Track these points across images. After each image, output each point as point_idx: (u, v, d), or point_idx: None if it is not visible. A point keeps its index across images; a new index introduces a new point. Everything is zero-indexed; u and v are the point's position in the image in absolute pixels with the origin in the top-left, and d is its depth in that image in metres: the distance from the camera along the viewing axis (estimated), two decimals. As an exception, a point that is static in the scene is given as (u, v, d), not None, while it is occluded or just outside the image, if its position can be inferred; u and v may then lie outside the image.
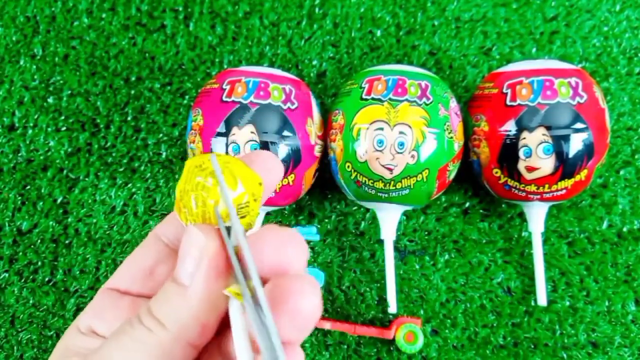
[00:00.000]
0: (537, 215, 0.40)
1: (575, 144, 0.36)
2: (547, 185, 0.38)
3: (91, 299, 0.45)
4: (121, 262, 0.45)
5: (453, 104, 0.39)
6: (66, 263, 0.45)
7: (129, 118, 0.47)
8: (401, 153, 0.36)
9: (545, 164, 0.37)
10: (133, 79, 0.48)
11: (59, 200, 0.46)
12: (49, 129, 0.47)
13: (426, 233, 0.44)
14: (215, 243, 0.18)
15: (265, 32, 0.48)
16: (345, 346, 0.42)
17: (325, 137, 0.41)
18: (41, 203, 0.46)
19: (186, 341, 0.18)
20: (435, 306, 0.43)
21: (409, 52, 0.48)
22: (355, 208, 0.45)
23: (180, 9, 0.49)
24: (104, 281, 0.45)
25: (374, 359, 0.42)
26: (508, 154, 0.38)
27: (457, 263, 0.44)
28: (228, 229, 0.19)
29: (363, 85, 0.39)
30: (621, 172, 0.45)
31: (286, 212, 0.45)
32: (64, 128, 0.47)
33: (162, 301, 0.18)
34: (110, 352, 0.18)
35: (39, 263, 0.45)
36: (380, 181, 0.37)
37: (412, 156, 0.37)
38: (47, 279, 0.45)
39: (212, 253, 0.18)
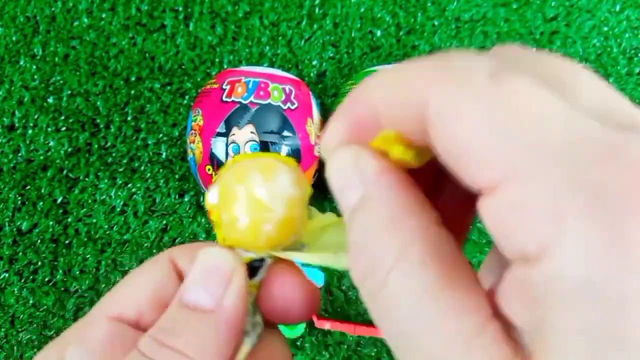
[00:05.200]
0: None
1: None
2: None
3: (91, 300, 0.45)
4: (121, 262, 0.45)
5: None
6: (66, 263, 0.45)
7: (129, 118, 0.47)
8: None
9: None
10: (133, 79, 0.48)
11: (59, 200, 0.46)
12: (49, 129, 0.47)
13: (426, 233, 0.44)
14: (243, 269, 0.17)
15: (265, 32, 0.48)
16: (345, 346, 0.42)
17: (325, 137, 0.41)
18: (41, 203, 0.46)
19: None
20: (435, 306, 0.43)
21: (409, 52, 0.48)
22: (355, 208, 0.45)
23: (180, 9, 0.49)
24: (104, 281, 0.45)
25: (374, 359, 0.42)
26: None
27: (457, 263, 0.44)
28: (255, 261, 0.17)
29: (363, 86, 0.39)
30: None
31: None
32: (64, 128, 0.47)
33: (180, 330, 0.16)
34: None
35: (39, 263, 0.45)
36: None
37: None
38: (47, 279, 0.45)
39: (242, 278, 0.16)
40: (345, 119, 0.14)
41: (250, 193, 0.16)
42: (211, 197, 0.17)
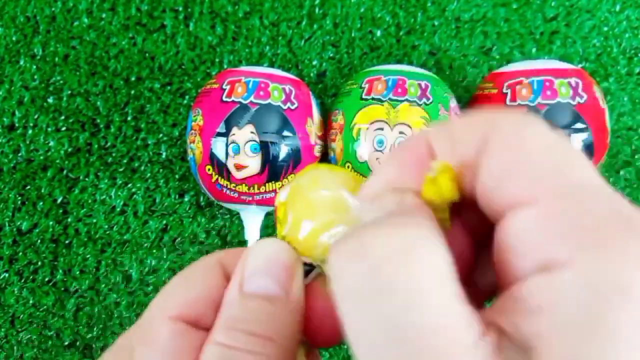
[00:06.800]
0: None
1: (575, 144, 0.36)
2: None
3: (91, 300, 0.45)
4: (121, 262, 0.45)
5: (453, 104, 0.39)
6: (66, 263, 0.45)
7: (129, 118, 0.47)
8: (401, 153, 0.36)
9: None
10: (133, 79, 0.48)
11: (59, 200, 0.46)
12: (49, 129, 0.47)
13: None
14: (302, 265, 0.17)
15: (265, 32, 0.48)
16: (345, 346, 0.42)
17: (325, 137, 0.41)
18: (41, 203, 0.46)
19: (292, 351, 0.16)
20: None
21: (409, 52, 0.48)
22: (355, 208, 0.45)
23: (180, 9, 0.49)
24: (104, 281, 0.45)
25: (374, 359, 0.42)
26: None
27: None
28: (306, 265, 0.18)
29: (363, 86, 0.39)
30: (621, 172, 0.45)
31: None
32: (64, 128, 0.47)
33: (255, 316, 0.16)
34: None
35: (39, 263, 0.45)
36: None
37: (412, 156, 0.37)
38: (47, 279, 0.45)
39: (302, 273, 0.17)
40: (398, 160, 0.15)
41: (318, 202, 0.17)
42: (282, 196, 0.18)
